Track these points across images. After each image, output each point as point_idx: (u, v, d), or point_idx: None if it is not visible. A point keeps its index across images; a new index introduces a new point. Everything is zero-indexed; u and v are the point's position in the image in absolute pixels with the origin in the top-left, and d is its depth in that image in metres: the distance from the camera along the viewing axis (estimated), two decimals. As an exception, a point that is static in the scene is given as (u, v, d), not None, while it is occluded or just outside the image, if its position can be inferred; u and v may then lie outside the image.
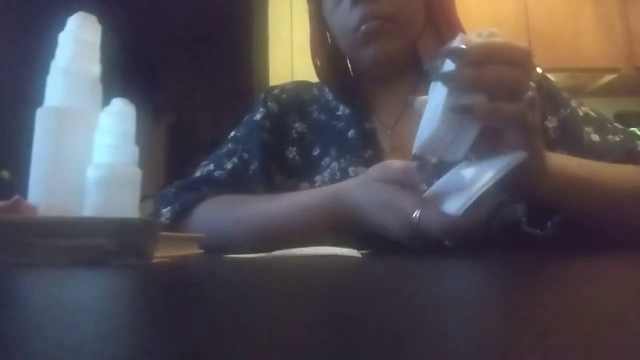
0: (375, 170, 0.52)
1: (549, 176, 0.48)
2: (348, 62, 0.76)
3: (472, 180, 0.43)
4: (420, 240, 0.47)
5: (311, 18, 0.76)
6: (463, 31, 0.72)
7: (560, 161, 0.52)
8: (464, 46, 0.40)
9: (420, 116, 0.46)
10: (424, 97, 0.47)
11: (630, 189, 0.55)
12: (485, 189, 0.41)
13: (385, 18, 0.65)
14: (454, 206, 0.42)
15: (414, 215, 0.45)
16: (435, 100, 0.44)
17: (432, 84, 0.45)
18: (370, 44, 0.67)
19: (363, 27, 0.65)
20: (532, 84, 0.43)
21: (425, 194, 0.48)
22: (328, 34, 0.74)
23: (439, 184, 0.49)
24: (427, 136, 0.43)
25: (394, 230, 0.48)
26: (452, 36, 0.70)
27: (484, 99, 0.40)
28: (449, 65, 0.41)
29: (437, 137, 0.42)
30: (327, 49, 0.75)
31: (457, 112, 0.40)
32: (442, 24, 0.70)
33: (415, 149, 0.45)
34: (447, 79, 0.41)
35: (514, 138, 0.44)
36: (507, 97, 0.41)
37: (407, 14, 0.67)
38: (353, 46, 0.69)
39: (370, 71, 0.73)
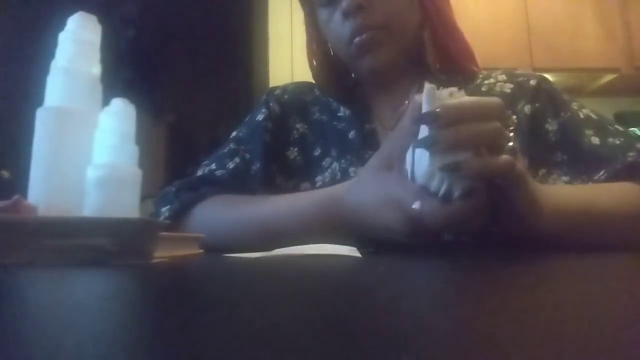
0: (375, 159, 0.52)
1: (542, 209, 0.49)
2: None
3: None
4: (422, 234, 0.46)
5: (307, 28, 0.77)
6: (459, 30, 0.72)
7: (553, 192, 0.53)
8: (437, 110, 0.41)
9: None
10: (420, 96, 0.47)
11: (625, 213, 0.55)
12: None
13: (378, 28, 0.65)
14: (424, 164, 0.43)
15: (414, 206, 0.44)
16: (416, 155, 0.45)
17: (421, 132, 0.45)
18: (365, 55, 0.67)
19: (356, 40, 0.65)
20: (511, 134, 0.44)
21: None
22: (324, 40, 0.74)
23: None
24: (422, 175, 0.44)
25: (396, 226, 0.47)
26: (447, 37, 0.71)
27: (469, 155, 0.41)
28: (424, 131, 0.43)
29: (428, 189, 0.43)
30: (322, 57, 0.75)
31: (447, 171, 0.41)
32: (438, 26, 0.70)
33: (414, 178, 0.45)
34: (427, 144, 0.42)
35: (508, 193, 0.45)
36: (490, 151, 0.42)
37: (399, 21, 0.66)
38: (349, 58, 0.69)
39: (370, 79, 0.73)
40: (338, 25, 0.67)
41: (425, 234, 0.46)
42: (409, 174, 0.45)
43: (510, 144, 0.43)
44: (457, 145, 0.41)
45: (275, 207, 0.61)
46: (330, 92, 0.77)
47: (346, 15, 0.65)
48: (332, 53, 0.75)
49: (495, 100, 0.44)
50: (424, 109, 0.42)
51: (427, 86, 0.43)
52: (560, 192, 0.56)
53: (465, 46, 0.72)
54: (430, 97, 0.42)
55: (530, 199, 0.47)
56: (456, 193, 0.42)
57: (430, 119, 0.41)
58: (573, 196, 0.55)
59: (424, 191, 0.44)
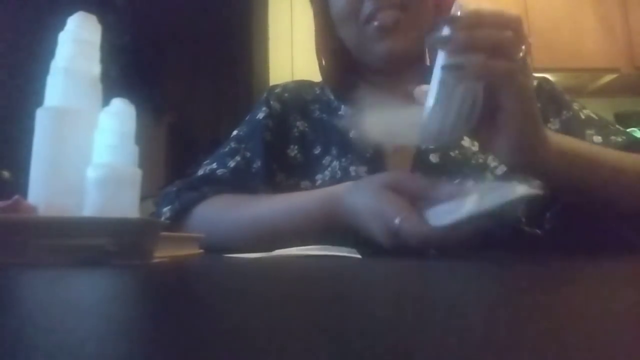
0: (387, 176, 0.53)
1: (548, 142, 0.48)
2: (352, 55, 0.76)
3: (467, 201, 0.43)
4: (402, 248, 0.47)
5: (316, 14, 0.76)
6: None
7: (563, 136, 0.53)
8: (458, 13, 0.43)
9: (420, 104, 0.47)
10: (424, 86, 0.47)
11: (631, 169, 0.55)
12: (472, 213, 0.42)
13: (402, 8, 0.64)
14: (436, 220, 0.44)
15: (395, 222, 0.46)
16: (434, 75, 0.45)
17: (434, 69, 0.46)
18: (384, 38, 0.66)
19: (376, 21, 0.64)
20: (523, 47, 0.44)
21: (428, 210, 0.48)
22: (332, 28, 0.74)
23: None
24: (429, 111, 0.44)
25: (379, 237, 0.49)
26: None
27: (477, 57, 0.42)
28: (446, 32, 0.43)
29: (439, 113, 0.44)
30: (332, 47, 0.75)
31: (452, 70, 0.42)
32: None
33: (420, 134, 0.46)
34: (442, 42, 0.43)
35: (510, 105, 0.45)
36: (500, 58, 0.43)
37: (421, 4, 0.66)
38: (362, 40, 0.68)
39: (379, 66, 0.72)
40: (354, 4, 0.66)
41: (406, 249, 0.47)
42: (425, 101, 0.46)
43: (522, 55, 0.44)
44: (469, 47, 0.42)
45: (276, 206, 0.61)
46: (334, 86, 0.76)
47: None
48: (340, 43, 0.74)
49: (514, 14, 0.45)
50: (452, 12, 0.44)
51: (457, 2, 0.44)
52: (569, 138, 0.55)
53: None
54: (459, 7, 0.43)
55: (534, 120, 0.47)
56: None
57: (451, 20, 0.43)
58: (582, 145, 0.55)
59: (409, 209, 0.46)
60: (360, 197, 0.52)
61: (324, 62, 0.76)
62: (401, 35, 0.66)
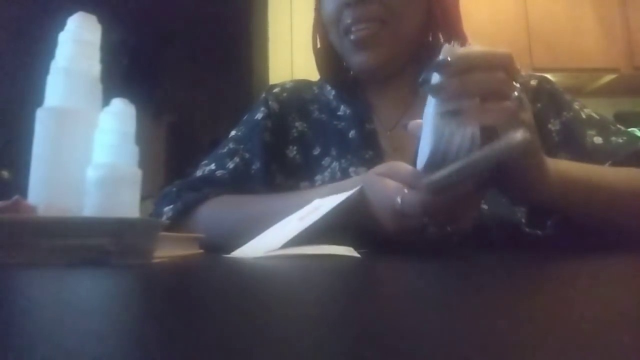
0: (382, 167, 0.52)
1: (550, 177, 0.48)
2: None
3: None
4: (406, 229, 0.46)
5: (315, 13, 0.76)
6: (465, 37, 0.72)
7: (561, 164, 0.52)
8: (448, 58, 0.41)
9: (417, 139, 0.47)
10: (417, 121, 0.47)
11: (632, 191, 0.55)
12: (464, 163, 0.40)
13: (379, 21, 0.64)
14: (430, 176, 0.42)
15: (397, 200, 0.45)
16: (428, 119, 0.44)
17: (425, 109, 0.45)
18: (359, 50, 0.66)
19: (352, 35, 0.64)
20: (518, 85, 0.44)
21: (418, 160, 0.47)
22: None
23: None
24: (427, 153, 0.43)
25: (383, 222, 0.48)
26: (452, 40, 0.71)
27: (473, 102, 0.41)
28: (436, 78, 0.42)
29: (437, 153, 0.43)
30: (325, 48, 0.75)
31: (449, 116, 0.41)
32: (443, 28, 0.70)
33: (419, 168, 0.45)
34: (435, 90, 0.42)
35: None
36: (496, 100, 0.42)
37: (401, 19, 0.65)
38: (343, 49, 0.69)
39: (363, 76, 0.73)
40: (336, 14, 0.66)
41: (409, 229, 0.46)
42: (417, 144, 0.45)
43: (517, 94, 0.43)
44: (463, 93, 0.41)
45: (277, 204, 0.61)
46: (332, 85, 0.76)
47: (347, 5, 0.64)
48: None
49: (504, 51, 0.44)
50: (440, 58, 0.43)
51: (446, 46, 0.43)
52: (568, 163, 0.55)
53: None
54: (448, 50, 0.42)
55: (537, 160, 0.47)
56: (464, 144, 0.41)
57: (441, 65, 0.42)
58: (581, 168, 0.55)
59: (408, 185, 0.45)
60: (364, 187, 0.52)
61: (320, 62, 0.76)
62: (378, 49, 0.66)
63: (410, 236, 0.47)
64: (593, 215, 0.52)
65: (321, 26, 0.74)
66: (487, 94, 0.41)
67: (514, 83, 0.43)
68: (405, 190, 0.45)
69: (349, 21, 0.64)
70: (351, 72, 0.76)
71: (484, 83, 0.42)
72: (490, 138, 0.41)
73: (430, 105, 0.44)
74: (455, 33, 0.71)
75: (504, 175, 0.46)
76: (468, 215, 0.44)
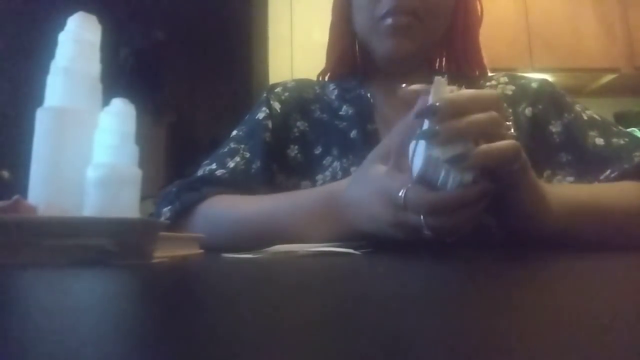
0: (372, 154, 0.52)
1: (550, 208, 0.49)
2: (358, 58, 0.77)
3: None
4: (406, 225, 0.46)
5: (334, 7, 0.77)
6: (479, 52, 0.74)
7: (559, 190, 0.54)
8: (437, 104, 0.42)
9: (408, 105, 0.47)
10: (411, 88, 0.47)
11: (629, 209, 0.56)
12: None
13: (414, 14, 0.65)
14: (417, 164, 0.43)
15: (399, 194, 0.44)
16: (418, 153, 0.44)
17: (414, 161, 0.45)
18: (393, 37, 0.67)
19: (389, 21, 0.65)
20: (509, 123, 0.44)
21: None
22: (348, 28, 0.75)
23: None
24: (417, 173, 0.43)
25: (383, 216, 0.47)
26: (466, 53, 0.72)
27: (469, 146, 0.41)
28: (427, 123, 0.43)
29: (423, 180, 0.43)
30: (344, 44, 0.76)
31: (454, 162, 0.41)
32: (459, 38, 0.72)
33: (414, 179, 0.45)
34: (428, 136, 0.42)
35: (510, 184, 0.45)
36: (489, 141, 0.42)
37: (435, 17, 0.67)
38: (373, 34, 0.69)
39: (383, 64, 0.73)
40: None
41: (409, 225, 0.45)
42: (411, 165, 0.45)
43: (511, 131, 0.44)
44: (456, 136, 0.42)
45: (277, 204, 0.61)
46: (338, 81, 0.77)
47: None
48: (352, 43, 0.75)
49: (491, 92, 0.45)
50: (430, 101, 0.43)
51: (437, 78, 0.43)
52: (566, 190, 0.56)
53: (479, 58, 0.74)
54: (438, 89, 0.43)
55: (537, 193, 0.48)
56: (454, 183, 0.42)
57: (431, 112, 0.42)
58: (578, 194, 0.56)
59: (412, 179, 0.44)
60: (359, 184, 0.51)
61: (334, 55, 0.77)
62: (410, 40, 0.67)
63: (406, 232, 0.47)
64: (590, 236, 0.53)
65: (343, 12, 0.74)
66: (482, 135, 0.42)
67: (505, 122, 0.44)
68: (410, 185, 0.44)
69: (388, 7, 0.65)
70: (359, 72, 0.77)
71: (478, 124, 0.42)
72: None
73: (420, 150, 0.44)
74: (470, 45, 0.73)
75: (505, 206, 0.47)
76: (469, 217, 0.44)
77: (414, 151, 0.45)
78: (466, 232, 0.44)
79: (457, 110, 0.42)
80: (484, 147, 0.41)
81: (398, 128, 0.49)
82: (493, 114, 0.43)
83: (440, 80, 0.43)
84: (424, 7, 0.65)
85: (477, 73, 0.75)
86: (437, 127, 0.41)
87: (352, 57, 0.77)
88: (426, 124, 0.43)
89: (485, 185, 0.42)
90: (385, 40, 0.67)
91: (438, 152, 0.41)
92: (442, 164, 0.42)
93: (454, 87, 0.45)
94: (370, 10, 0.67)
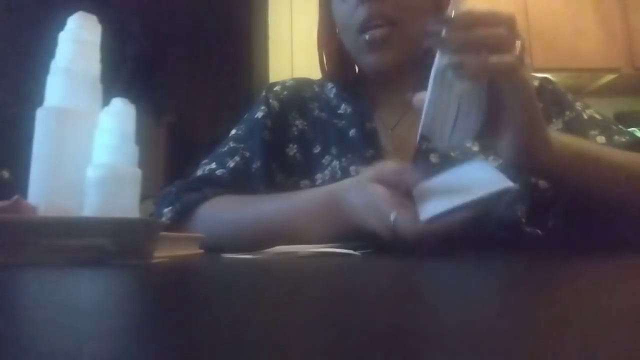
0: (370, 171, 0.53)
1: (552, 143, 0.49)
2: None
3: (454, 193, 0.44)
4: (399, 243, 0.47)
5: (320, 8, 0.76)
6: None
7: (564, 136, 0.53)
8: (452, 14, 0.44)
9: (420, 112, 0.47)
10: (421, 94, 0.48)
11: (633, 168, 0.55)
12: (458, 205, 0.42)
13: (391, 22, 0.64)
14: (426, 213, 0.44)
15: (390, 218, 0.46)
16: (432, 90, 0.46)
17: (430, 81, 0.46)
18: (372, 52, 0.66)
19: (367, 36, 0.64)
20: (519, 42, 0.45)
21: (414, 190, 0.48)
22: (336, 28, 0.74)
23: (428, 183, 0.49)
24: (427, 110, 0.45)
25: (379, 229, 0.49)
26: None
27: (475, 56, 0.43)
28: (442, 33, 0.44)
29: (438, 111, 0.45)
30: (334, 44, 0.75)
31: (450, 70, 0.43)
32: None
33: (420, 130, 0.47)
34: (439, 42, 0.44)
35: (512, 100, 0.45)
36: (498, 54, 0.43)
37: (412, 19, 0.66)
38: (355, 49, 0.69)
39: (371, 76, 0.73)
40: (350, 11, 0.66)
41: (402, 241, 0.47)
42: (419, 129, 0.47)
43: (517, 49, 0.44)
44: (465, 45, 0.43)
45: (277, 204, 0.61)
46: (335, 82, 0.77)
47: (361, 1, 0.64)
48: (340, 41, 0.74)
49: (506, 12, 0.46)
50: (447, 13, 0.45)
51: (452, 2, 0.45)
52: (571, 137, 0.56)
53: None
54: (456, 4, 0.44)
55: (536, 117, 0.48)
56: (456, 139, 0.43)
57: (446, 21, 0.44)
58: (584, 143, 0.56)
59: (404, 204, 0.46)
60: (357, 193, 0.52)
61: (325, 60, 0.76)
62: (390, 50, 0.66)
63: (403, 246, 0.48)
64: (596, 189, 0.52)
65: (328, 23, 0.74)
66: (489, 48, 0.43)
67: (516, 40, 0.45)
68: (403, 211, 0.46)
69: (362, 18, 0.64)
70: (357, 71, 0.76)
71: (487, 36, 0.43)
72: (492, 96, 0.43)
73: (436, 63, 0.45)
74: None
75: (503, 130, 0.47)
76: (449, 241, 0.45)
77: (425, 110, 0.46)
78: (449, 246, 0.46)
79: (470, 21, 0.43)
80: (481, 58, 0.42)
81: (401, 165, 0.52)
82: (503, 30, 0.44)
83: (455, 3, 0.45)
84: (397, 11, 0.64)
85: None
86: (448, 35, 0.43)
87: (344, 58, 0.76)
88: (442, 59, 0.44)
89: (467, 217, 0.43)
90: (366, 56, 0.67)
91: (444, 60, 0.43)
92: (446, 113, 0.43)
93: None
94: (349, 25, 0.67)
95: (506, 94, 0.45)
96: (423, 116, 0.46)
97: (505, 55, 0.43)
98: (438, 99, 0.45)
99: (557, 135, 0.51)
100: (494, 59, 0.43)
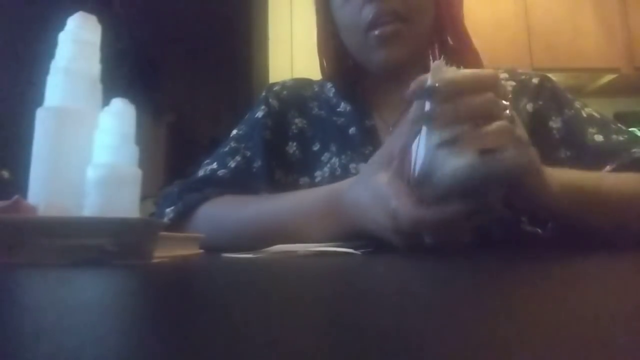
0: (375, 155, 0.52)
1: (552, 187, 0.48)
2: (353, 57, 0.76)
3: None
4: (403, 233, 0.46)
5: (318, 12, 0.76)
6: (469, 38, 0.72)
7: (562, 173, 0.53)
8: (436, 84, 0.41)
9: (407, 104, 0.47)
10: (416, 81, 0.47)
11: (633, 194, 0.55)
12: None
13: (401, 19, 0.64)
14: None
15: (392, 205, 0.45)
16: (419, 141, 0.44)
17: (416, 148, 0.45)
18: (383, 47, 0.66)
19: (376, 31, 0.64)
20: (507, 103, 0.44)
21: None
22: (334, 29, 0.74)
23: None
24: (418, 175, 0.43)
25: (383, 224, 0.47)
26: (458, 43, 0.71)
27: (467, 128, 0.41)
28: (426, 105, 0.43)
29: (427, 178, 0.43)
30: (333, 45, 0.74)
31: (446, 146, 0.41)
32: (448, 28, 0.70)
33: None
34: (428, 118, 0.42)
35: None
36: (491, 122, 0.42)
37: (420, 15, 0.66)
38: (362, 47, 0.68)
39: (378, 72, 0.72)
40: (356, 10, 0.65)
41: (409, 234, 0.45)
42: (412, 168, 0.45)
43: (507, 112, 0.43)
44: (456, 118, 0.41)
45: (279, 204, 0.61)
46: (334, 83, 0.76)
47: (368, 0, 0.64)
48: (341, 43, 0.73)
49: (489, 71, 0.44)
50: (429, 83, 0.43)
51: (436, 62, 0.43)
52: (567, 172, 0.55)
53: (472, 50, 0.73)
54: (437, 71, 0.42)
55: (536, 172, 0.47)
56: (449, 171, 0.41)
57: (429, 92, 0.42)
58: (580, 176, 0.55)
59: (405, 190, 0.44)
60: (361, 186, 0.51)
61: (325, 62, 0.76)
62: (400, 45, 0.66)
63: (407, 241, 0.47)
64: (592, 224, 0.52)
65: (327, 27, 0.74)
66: (479, 117, 0.41)
67: (504, 102, 0.43)
68: (403, 197, 0.45)
69: (371, 16, 0.64)
70: (356, 73, 0.76)
71: (476, 105, 0.42)
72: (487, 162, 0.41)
73: (422, 137, 0.44)
74: (460, 34, 0.71)
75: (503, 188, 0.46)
76: (465, 233, 0.45)
77: (417, 151, 0.45)
78: (467, 242, 0.44)
79: (454, 90, 0.42)
80: (475, 131, 0.41)
81: (399, 130, 0.49)
82: (490, 95, 0.42)
83: (438, 63, 0.43)
84: (406, 6, 0.64)
85: (470, 58, 0.74)
86: (435, 109, 0.41)
87: (344, 59, 0.76)
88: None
89: (467, 204, 0.42)
90: (376, 52, 0.66)
91: (436, 137, 0.41)
92: (440, 153, 0.41)
93: (454, 68, 0.44)
94: (355, 24, 0.66)
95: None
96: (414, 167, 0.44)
97: (498, 123, 0.42)
98: (426, 167, 0.42)
99: (554, 173, 0.50)
100: (489, 128, 0.41)
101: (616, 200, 0.55)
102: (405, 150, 0.47)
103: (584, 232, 0.52)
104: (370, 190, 0.49)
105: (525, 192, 0.47)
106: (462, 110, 0.41)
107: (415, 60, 0.70)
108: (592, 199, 0.52)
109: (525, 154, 0.42)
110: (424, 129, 0.43)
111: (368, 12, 0.64)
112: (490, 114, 0.42)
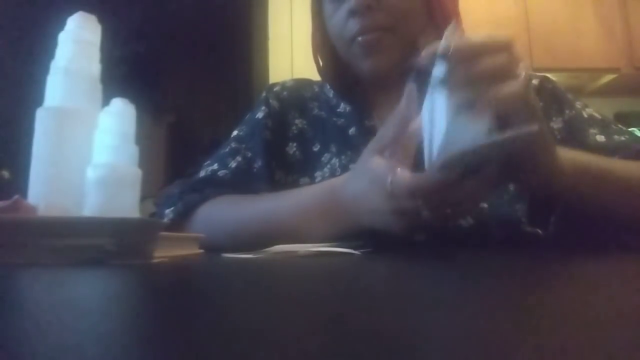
0: (369, 144, 0.52)
1: (562, 165, 0.48)
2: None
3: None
4: (401, 211, 0.45)
5: (313, 17, 0.76)
6: (461, 26, 0.72)
7: (573, 153, 0.53)
8: (450, 48, 0.41)
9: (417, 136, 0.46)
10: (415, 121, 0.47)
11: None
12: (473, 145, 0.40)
13: (384, 29, 0.64)
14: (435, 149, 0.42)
15: (387, 181, 0.44)
16: (434, 108, 0.44)
17: (423, 107, 0.45)
18: (367, 56, 0.66)
19: (360, 39, 0.64)
20: (522, 64, 0.43)
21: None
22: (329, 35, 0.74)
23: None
24: (437, 150, 0.42)
25: (380, 206, 0.47)
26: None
27: (482, 90, 0.41)
28: (440, 70, 0.42)
29: (452, 149, 0.42)
30: (328, 49, 0.74)
31: (462, 108, 0.41)
32: (443, 26, 0.70)
33: (437, 160, 0.43)
34: (443, 82, 0.42)
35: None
36: (504, 83, 0.42)
37: (406, 23, 0.65)
38: (350, 56, 0.68)
39: (368, 79, 0.73)
40: (341, 22, 0.66)
41: (407, 211, 0.45)
42: (426, 139, 0.45)
43: (522, 73, 0.43)
44: (471, 81, 0.41)
45: (278, 202, 0.61)
46: (332, 86, 0.76)
47: (353, 13, 0.64)
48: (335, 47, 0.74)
49: (503, 35, 0.44)
50: (443, 46, 0.42)
51: (449, 27, 0.43)
52: (579, 153, 0.55)
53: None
54: (449, 36, 0.42)
55: (548, 147, 0.47)
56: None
57: (444, 56, 0.42)
58: (591, 157, 0.55)
59: (400, 166, 0.44)
60: (358, 177, 0.51)
61: (321, 63, 0.76)
62: (385, 54, 0.66)
63: (405, 220, 0.46)
64: (603, 205, 0.52)
65: (322, 30, 0.73)
66: (494, 78, 0.41)
67: (518, 64, 0.43)
68: (398, 170, 0.44)
69: (355, 30, 0.64)
70: (351, 75, 0.76)
71: (490, 67, 0.42)
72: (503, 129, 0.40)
73: (429, 102, 0.44)
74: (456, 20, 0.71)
75: (515, 164, 0.45)
76: (466, 203, 0.44)
77: (429, 121, 0.44)
78: (464, 214, 0.44)
79: (469, 53, 0.42)
80: (492, 91, 0.41)
81: (392, 119, 0.49)
82: (505, 55, 0.42)
83: (451, 28, 0.43)
84: (390, 17, 0.64)
85: None
86: (451, 72, 0.41)
87: (339, 61, 0.75)
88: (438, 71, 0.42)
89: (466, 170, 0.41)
90: (362, 60, 0.67)
91: (454, 102, 0.41)
92: (460, 119, 0.41)
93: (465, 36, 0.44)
94: (340, 35, 0.67)
95: (517, 120, 0.43)
96: (426, 152, 0.44)
97: (514, 83, 0.42)
98: (447, 136, 0.41)
99: (564, 152, 0.50)
100: (505, 88, 0.41)
101: (627, 180, 0.54)
102: (398, 137, 0.46)
103: (595, 215, 0.51)
104: (366, 174, 0.49)
105: (536, 167, 0.47)
106: (478, 71, 0.41)
107: (403, 71, 0.70)
108: (604, 177, 0.52)
109: (537, 127, 0.42)
110: (438, 99, 0.43)
111: (352, 26, 0.64)
112: (506, 75, 0.42)
